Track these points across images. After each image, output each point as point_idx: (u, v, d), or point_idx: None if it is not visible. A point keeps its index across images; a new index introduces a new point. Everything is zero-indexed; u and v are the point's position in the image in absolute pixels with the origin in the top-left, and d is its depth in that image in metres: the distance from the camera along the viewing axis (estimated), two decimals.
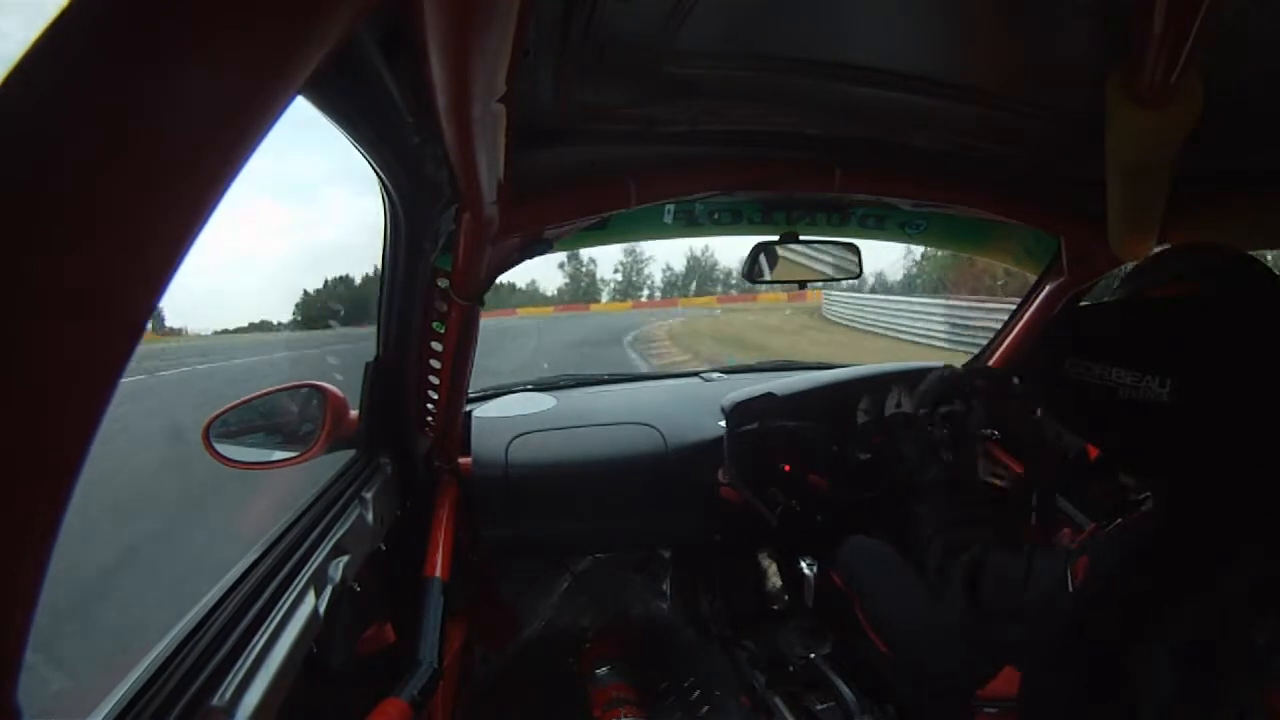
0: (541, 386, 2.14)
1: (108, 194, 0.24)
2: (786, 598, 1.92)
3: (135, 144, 0.24)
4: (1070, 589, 0.89)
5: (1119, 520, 0.92)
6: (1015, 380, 1.59)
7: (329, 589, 0.94)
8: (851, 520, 1.75)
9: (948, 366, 1.69)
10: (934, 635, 1.27)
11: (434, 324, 1.28)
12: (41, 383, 0.24)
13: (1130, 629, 0.82)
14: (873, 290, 21.77)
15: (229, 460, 1.30)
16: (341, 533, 1.03)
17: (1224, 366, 0.74)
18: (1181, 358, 0.74)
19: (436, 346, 1.32)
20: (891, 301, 16.98)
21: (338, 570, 0.97)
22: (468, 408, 1.84)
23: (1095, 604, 0.87)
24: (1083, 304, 0.97)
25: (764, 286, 1.60)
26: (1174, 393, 0.73)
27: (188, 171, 0.27)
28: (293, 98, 0.30)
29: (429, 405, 1.44)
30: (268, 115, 0.29)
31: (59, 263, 0.23)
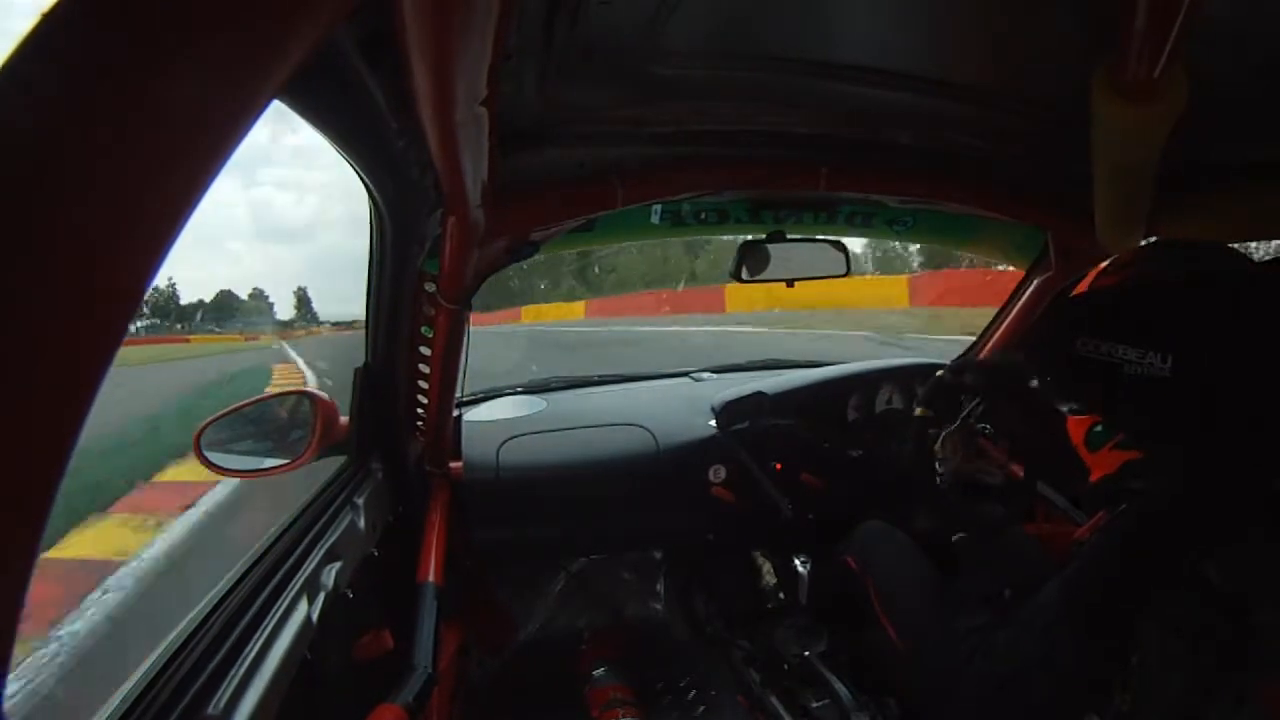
0: (531, 389, 2.14)
1: (78, 199, 0.24)
2: (781, 596, 1.92)
3: (104, 148, 0.24)
4: (1075, 567, 0.92)
5: (1123, 508, 0.94)
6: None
7: (322, 596, 0.93)
8: (845, 518, 1.76)
9: (937, 365, 1.70)
10: (946, 626, 1.28)
11: (422, 328, 1.28)
12: (20, 385, 0.24)
13: (1130, 607, 0.84)
14: None
15: (220, 469, 1.29)
16: (333, 539, 1.03)
17: (1215, 344, 0.79)
18: (1178, 336, 0.80)
19: (425, 351, 1.31)
20: None
21: (330, 577, 0.97)
22: (458, 411, 1.84)
23: (1101, 584, 0.90)
24: (1078, 291, 1.00)
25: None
26: (1173, 368, 0.79)
27: (160, 175, 0.27)
28: (269, 100, 0.30)
29: (419, 410, 1.44)
30: (244, 119, 0.29)
31: (32, 264, 0.23)
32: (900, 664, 1.36)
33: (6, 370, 0.23)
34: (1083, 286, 0.98)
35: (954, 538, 1.34)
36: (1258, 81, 0.88)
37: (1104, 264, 0.99)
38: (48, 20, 0.24)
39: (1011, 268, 1.84)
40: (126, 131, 0.25)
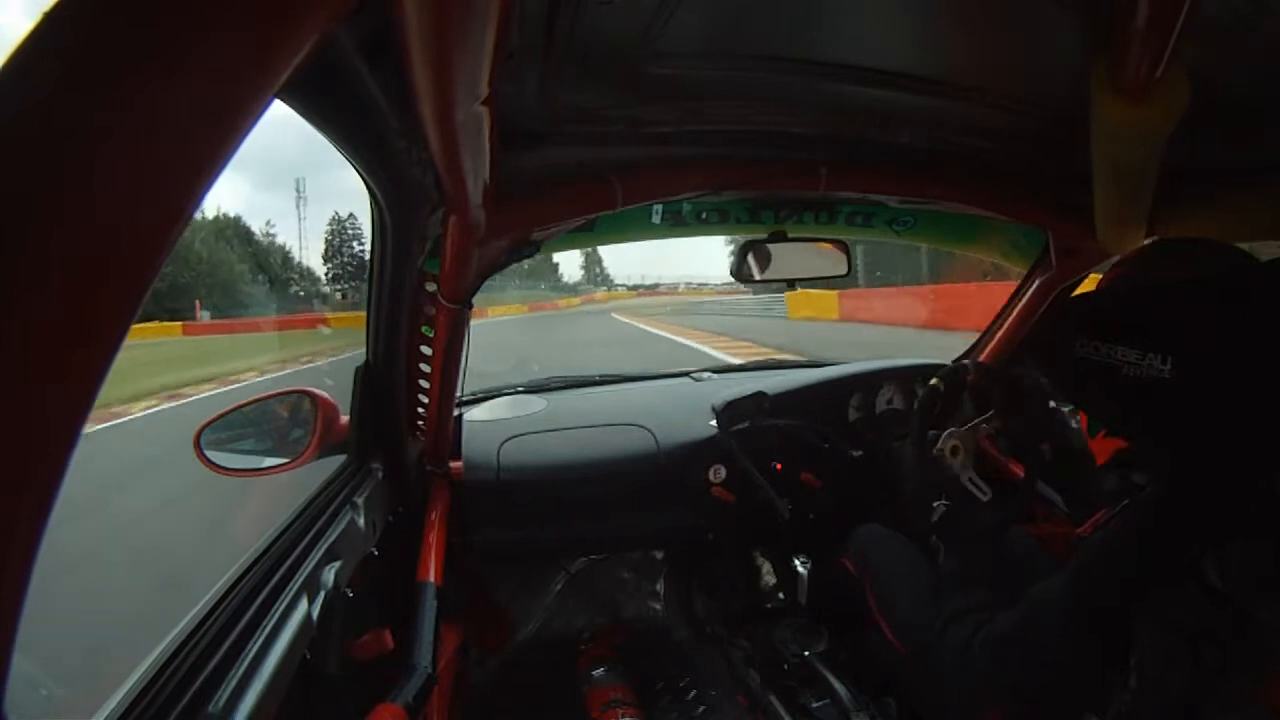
0: (532, 388, 2.15)
1: (81, 196, 0.24)
2: (780, 596, 1.93)
3: (105, 147, 0.24)
4: (1075, 565, 0.92)
5: (1125, 503, 0.94)
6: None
7: (322, 595, 0.93)
8: (845, 518, 1.76)
9: (939, 366, 1.70)
10: (940, 621, 1.28)
11: (423, 328, 1.28)
12: (22, 384, 0.24)
13: (1130, 606, 0.84)
14: None
15: (220, 468, 1.29)
16: (333, 538, 1.03)
17: (1218, 345, 0.78)
18: (1180, 337, 0.79)
19: (426, 350, 1.31)
20: None
21: (330, 576, 0.97)
22: (458, 411, 1.84)
23: (1100, 581, 0.89)
24: (1081, 291, 1.00)
25: None
26: (1174, 369, 0.77)
27: (162, 174, 0.27)
28: (270, 100, 0.30)
29: (419, 409, 1.44)
30: (244, 118, 0.29)
31: (35, 264, 0.23)
32: (898, 665, 1.36)
33: (9, 367, 0.23)
34: (1087, 287, 0.98)
35: (934, 504, 1.34)
36: (1259, 81, 0.88)
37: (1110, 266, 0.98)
38: (48, 20, 0.24)
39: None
40: (127, 131, 0.25)
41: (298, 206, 63.90)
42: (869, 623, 1.42)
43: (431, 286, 1.19)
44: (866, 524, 1.60)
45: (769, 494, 1.73)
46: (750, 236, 1.51)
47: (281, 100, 0.62)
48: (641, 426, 1.82)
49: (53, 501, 0.26)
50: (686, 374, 2.26)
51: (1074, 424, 1.61)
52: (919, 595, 1.35)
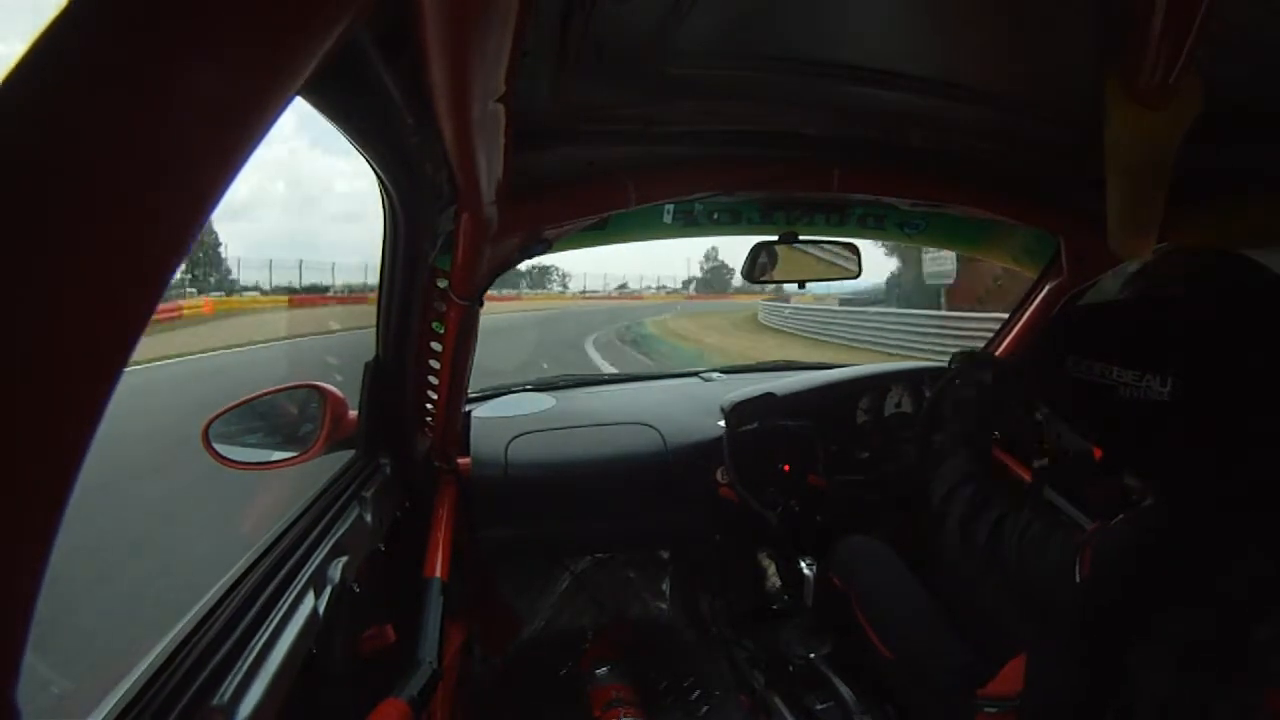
0: (541, 386, 2.15)
1: (106, 195, 0.24)
2: (786, 597, 1.92)
3: (132, 145, 0.24)
4: (1077, 580, 0.90)
5: (1121, 516, 0.92)
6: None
7: (328, 589, 0.94)
8: (851, 520, 1.75)
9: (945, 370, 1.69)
10: (933, 634, 1.28)
11: (433, 324, 1.28)
12: (41, 381, 0.24)
13: (1131, 626, 0.83)
14: None
15: (228, 461, 1.29)
16: (341, 533, 1.03)
17: (1223, 366, 0.75)
18: (1181, 358, 0.75)
19: (436, 347, 1.32)
20: None
21: (337, 570, 0.97)
22: (467, 408, 1.84)
23: (1098, 600, 0.87)
24: (1081, 303, 0.96)
25: None
26: (1174, 391, 0.74)
27: (186, 172, 0.27)
28: (291, 98, 0.30)
29: (428, 405, 1.44)
30: (266, 116, 0.29)
31: (59, 261, 0.23)
32: (891, 672, 1.37)
33: (22, 367, 0.23)
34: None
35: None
36: (1272, 86, 0.87)
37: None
38: (66, 15, 0.24)
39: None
40: (149, 128, 0.25)
41: None
42: (861, 632, 1.42)
43: (442, 283, 1.19)
44: (850, 537, 1.60)
45: (753, 504, 1.73)
46: (762, 238, 1.51)
47: (299, 95, 0.62)
48: (650, 426, 1.82)
49: (67, 498, 0.26)
50: (695, 374, 2.26)
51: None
52: (905, 605, 1.35)
